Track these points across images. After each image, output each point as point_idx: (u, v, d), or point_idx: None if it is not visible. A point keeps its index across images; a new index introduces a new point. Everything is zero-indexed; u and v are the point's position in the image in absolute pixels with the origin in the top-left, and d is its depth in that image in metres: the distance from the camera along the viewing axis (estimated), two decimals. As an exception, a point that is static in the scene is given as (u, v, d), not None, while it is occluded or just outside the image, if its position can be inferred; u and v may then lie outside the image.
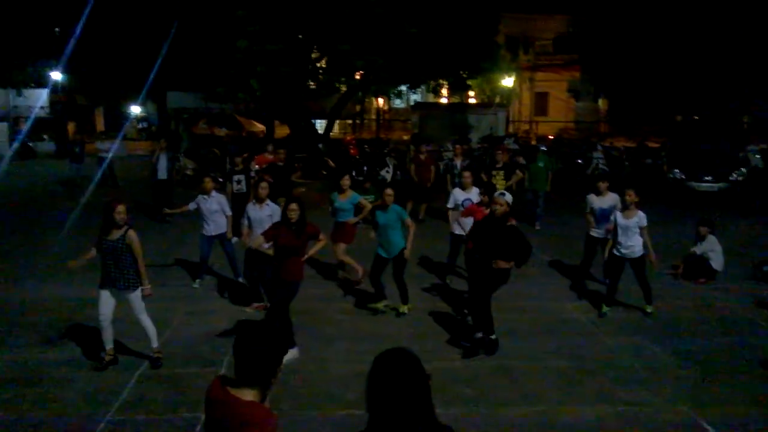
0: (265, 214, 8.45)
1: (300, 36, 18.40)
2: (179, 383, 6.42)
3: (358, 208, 9.95)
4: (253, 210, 8.58)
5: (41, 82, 32.18)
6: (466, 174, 9.86)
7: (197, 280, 9.85)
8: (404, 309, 8.61)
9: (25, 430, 5.57)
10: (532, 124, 45.02)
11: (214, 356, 7.11)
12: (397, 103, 59.46)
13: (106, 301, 6.59)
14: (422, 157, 15.15)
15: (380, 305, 8.64)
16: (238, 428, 2.65)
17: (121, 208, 6.48)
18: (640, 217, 8.34)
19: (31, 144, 29.83)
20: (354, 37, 18.16)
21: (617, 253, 8.49)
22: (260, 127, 27.90)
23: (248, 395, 2.71)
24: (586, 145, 25.24)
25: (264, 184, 8.71)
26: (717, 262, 10.17)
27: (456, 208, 9.77)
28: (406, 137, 35.39)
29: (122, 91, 34.47)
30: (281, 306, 6.99)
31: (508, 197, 7.22)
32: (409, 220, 8.57)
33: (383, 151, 22.80)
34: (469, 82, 27.99)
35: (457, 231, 9.64)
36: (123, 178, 20.38)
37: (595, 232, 9.50)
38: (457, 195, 9.84)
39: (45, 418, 5.75)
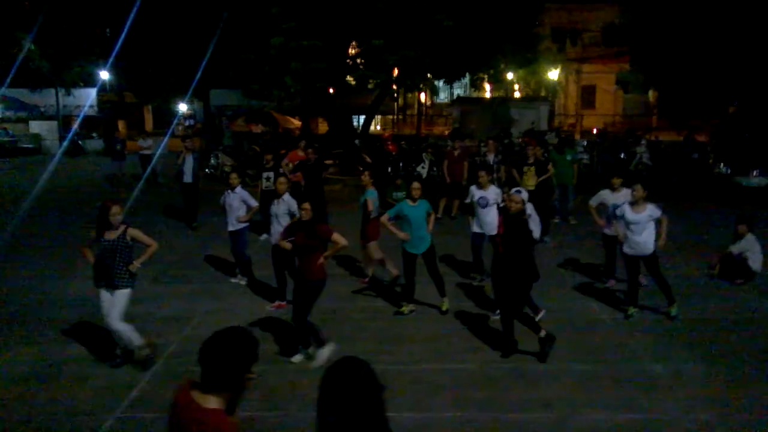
0: (281, 209, 8.48)
1: (334, 32, 18.33)
2: (191, 382, 6.45)
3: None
4: (274, 205, 8.64)
5: (90, 81, 33.11)
6: (481, 173, 9.69)
7: (238, 275, 9.95)
8: (446, 305, 8.57)
9: (35, 427, 5.68)
10: (578, 117, 44.07)
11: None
12: (442, 98, 59.11)
13: (107, 301, 6.67)
14: (456, 153, 14.97)
15: (405, 309, 8.54)
16: None
17: (116, 209, 6.55)
18: (651, 210, 8.02)
19: (80, 142, 30.79)
20: (388, 32, 18.04)
21: (629, 251, 8.20)
22: (296, 123, 28.09)
23: (212, 402, 2.71)
24: (632, 138, 24.60)
25: (282, 179, 8.75)
26: (755, 262, 9.73)
27: (472, 204, 9.65)
28: (448, 132, 35.10)
29: (170, 90, 35.15)
30: (304, 306, 6.93)
31: (524, 195, 7.03)
32: (431, 212, 8.56)
33: (420, 147, 22.68)
34: (512, 76, 27.55)
35: (476, 229, 9.54)
36: (164, 176, 20.79)
37: (609, 230, 9.20)
38: (474, 192, 9.67)
39: (55, 415, 5.85)
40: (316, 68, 17.84)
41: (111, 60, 27.95)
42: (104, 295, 6.71)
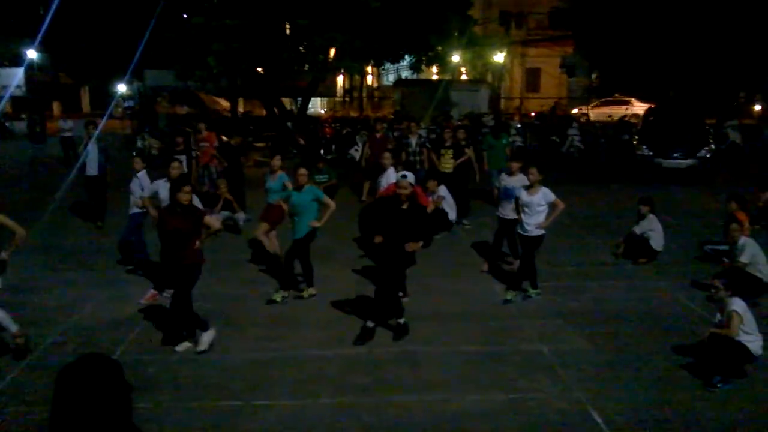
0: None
1: (259, 11, 17.87)
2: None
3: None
4: (163, 188, 8.41)
5: (17, 61, 31.77)
6: (386, 155, 9.61)
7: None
8: (307, 293, 8.44)
9: None
10: (522, 100, 44.44)
11: (111, 345, 6.91)
12: (390, 80, 58.80)
13: None
14: (378, 135, 14.83)
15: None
16: None
17: None
18: (544, 193, 8.08)
19: (7, 124, 29.63)
20: (314, 12, 17.68)
21: (521, 231, 8.27)
22: (225, 104, 27.51)
23: None
24: (565, 120, 24.90)
25: (176, 164, 8.52)
26: (657, 241, 9.91)
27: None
28: (383, 114, 34.98)
29: (106, 70, 34.01)
30: (183, 292, 6.79)
31: (411, 178, 6.97)
32: (327, 199, 8.29)
33: (354, 130, 22.53)
34: (458, 59, 27.27)
35: None
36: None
37: (500, 213, 9.19)
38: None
39: None
40: (240, 49, 17.40)
41: (40, 38, 26.91)
42: None
